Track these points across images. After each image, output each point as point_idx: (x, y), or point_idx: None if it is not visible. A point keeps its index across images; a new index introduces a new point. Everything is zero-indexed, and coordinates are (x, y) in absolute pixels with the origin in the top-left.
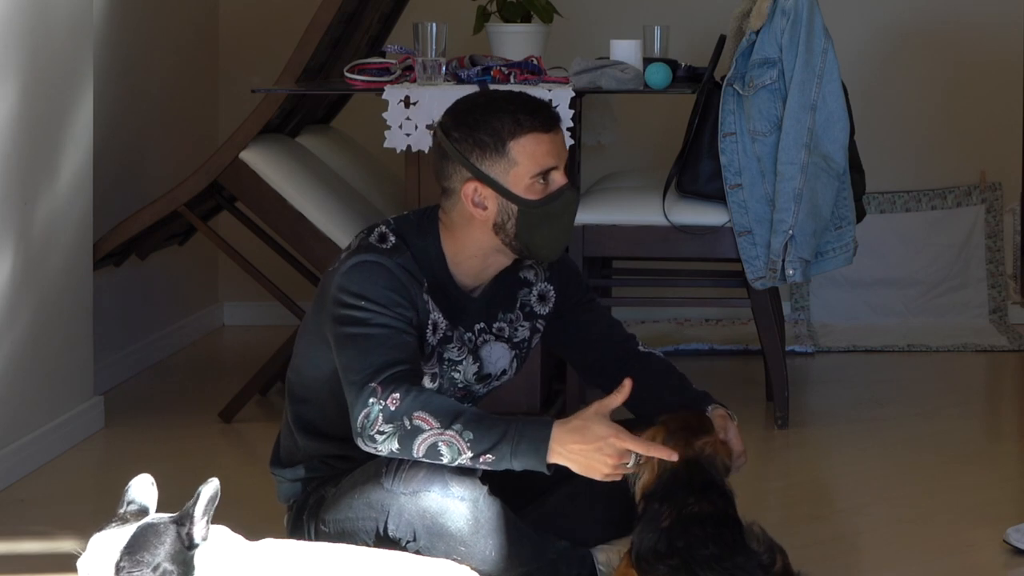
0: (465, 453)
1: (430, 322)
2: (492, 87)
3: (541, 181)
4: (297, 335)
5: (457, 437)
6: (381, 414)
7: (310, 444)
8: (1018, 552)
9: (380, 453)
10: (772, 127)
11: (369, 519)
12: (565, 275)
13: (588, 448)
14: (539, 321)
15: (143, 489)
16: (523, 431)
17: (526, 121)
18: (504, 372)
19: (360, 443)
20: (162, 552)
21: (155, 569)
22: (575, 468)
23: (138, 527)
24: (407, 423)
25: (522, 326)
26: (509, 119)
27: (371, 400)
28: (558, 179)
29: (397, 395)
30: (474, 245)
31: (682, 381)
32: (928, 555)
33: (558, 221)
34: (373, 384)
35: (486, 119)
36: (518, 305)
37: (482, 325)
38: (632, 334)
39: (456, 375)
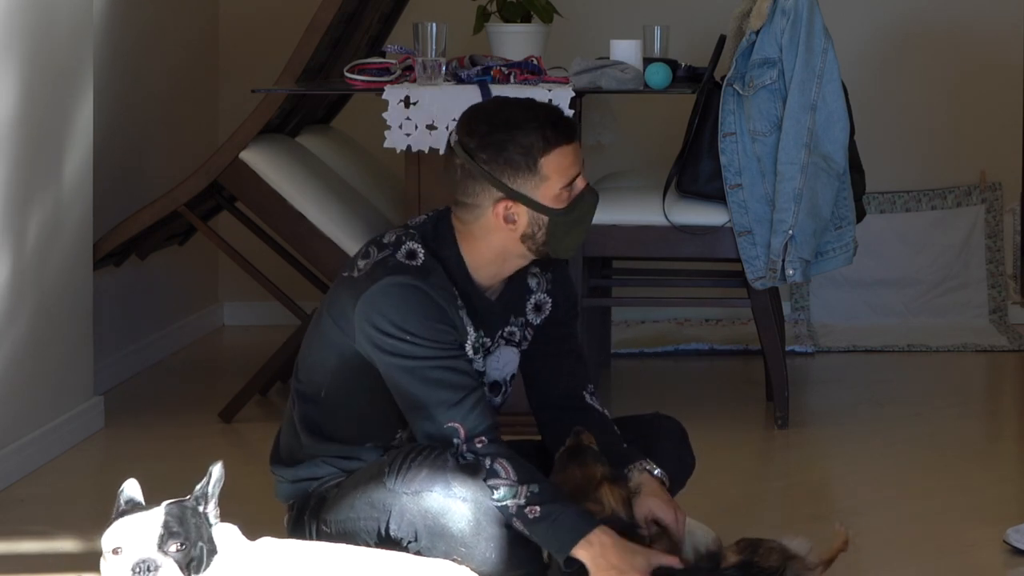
0: (520, 499)
1: (469, 339)
2: (495, 92)
3: (567, 189)
4: (307, 335)
5: (524, 490)
6: (465, 445)
7: (314, 444)
8: (1018, 552)
9: None
10: (772, 127)
11: (371, 519)
12: (563, 293)
13: (622, 568)
14: (529, 330)
15: (135, 490)
16: (580, 513)
17: (552, 136)
18: (513, 377)
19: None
20: (197, 529)
21: (195, 545)
22: (592, 569)
23: (167, 507)
24: (487, 463)
25: (520, 330)
26: (537, 135)
27: (455, 440)
28: (580, 184)
29: (485, 439)
30: (493, 252)
31: (615, 442)
32: (928, 555)
33: (582, 223)
34: (454, 424)
35: (513, 137)
36: (523, 310)
37: (500, 331)
38: (588, 383)
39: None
